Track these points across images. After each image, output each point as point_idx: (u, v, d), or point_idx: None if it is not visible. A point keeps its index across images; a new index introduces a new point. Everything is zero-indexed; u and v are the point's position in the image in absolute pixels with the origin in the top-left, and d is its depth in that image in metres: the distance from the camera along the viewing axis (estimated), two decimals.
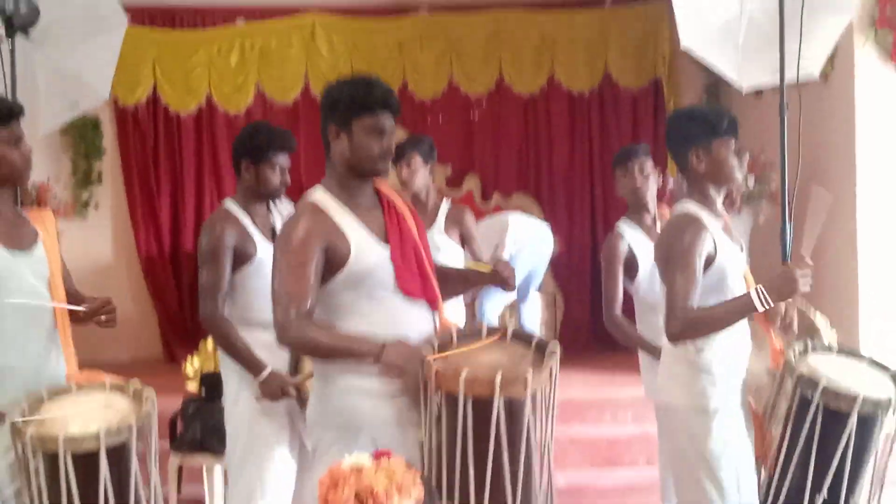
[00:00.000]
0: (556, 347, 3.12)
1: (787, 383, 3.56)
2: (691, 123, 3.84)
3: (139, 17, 9.29)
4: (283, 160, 4.47)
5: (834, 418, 3.43)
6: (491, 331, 3.28)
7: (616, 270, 4.90)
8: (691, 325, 3.59)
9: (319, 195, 3.33)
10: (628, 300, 5.04)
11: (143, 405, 3.24)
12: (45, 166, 9.01)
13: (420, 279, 3.36)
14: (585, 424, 7.34)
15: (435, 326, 3.39)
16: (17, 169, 3.55)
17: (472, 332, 3.28)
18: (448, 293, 3.58)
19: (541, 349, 3.17)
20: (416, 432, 3.16)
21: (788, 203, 5.43)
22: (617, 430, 7.28)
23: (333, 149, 3.33)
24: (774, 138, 5.55)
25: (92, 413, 3.17)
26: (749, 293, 3.56)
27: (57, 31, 5.79)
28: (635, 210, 5.01)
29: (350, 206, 3.31)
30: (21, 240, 3.58)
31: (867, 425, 3.44)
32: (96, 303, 3.67)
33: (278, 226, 4.50)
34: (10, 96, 5.32)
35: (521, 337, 3.27)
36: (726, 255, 3.69)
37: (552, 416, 3.11)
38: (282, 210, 4.62)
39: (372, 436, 3.22)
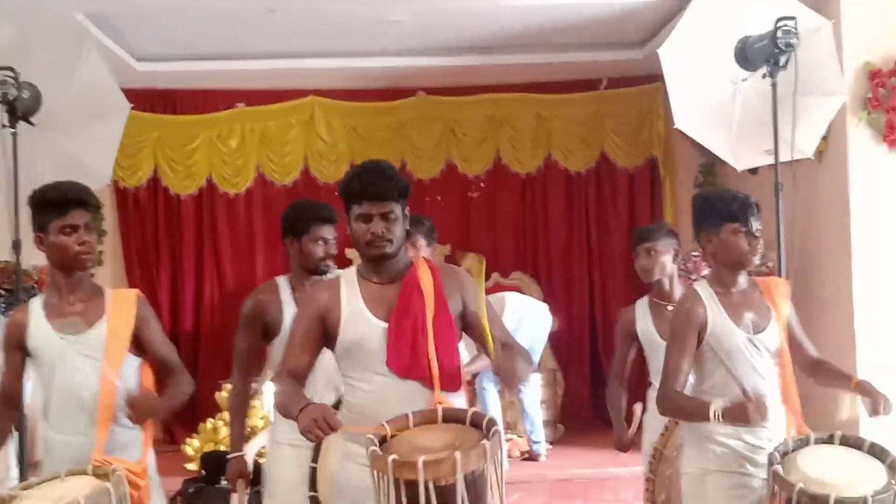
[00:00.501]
0: (494, 421, 3.13)
1: (772, 482, 3.52)
2: (702, 207, 4.05)
3: (141, 101, 9.35)
4: (324, 232, 4.57)
5: None
6: (421, 418, 3.26)
7: (620, 343, 5.28)
8: (666, 407, 3.99)
9: (349, 269, 3.62)
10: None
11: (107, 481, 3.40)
12: None
13: (411, 358, 3.39)
14: (587, 502, 7.30)
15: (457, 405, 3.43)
16: (70, 256, 3.79)
17: (428, 416, 3.27)
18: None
19: (477, 424, 3.17)
20: None
21: (786, 280, 5.46)
22: None
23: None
24: (770, 216, 5.59)
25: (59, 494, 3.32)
26: (710, 405, 3.68)
27: (59, 116, 5.87)
28: (657, 291, 5.17)
29: (368, 282, 3.52)
30: (76, 323, 3.81)
31: None
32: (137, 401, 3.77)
33: None
34: (13, 182, 5.38)
35: (456, 417, 3.25)
36: (720, 330, 3.87)
37: (498, 497, 3.08)
38: None
39: (353, 499, 3.38)
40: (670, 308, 4.95)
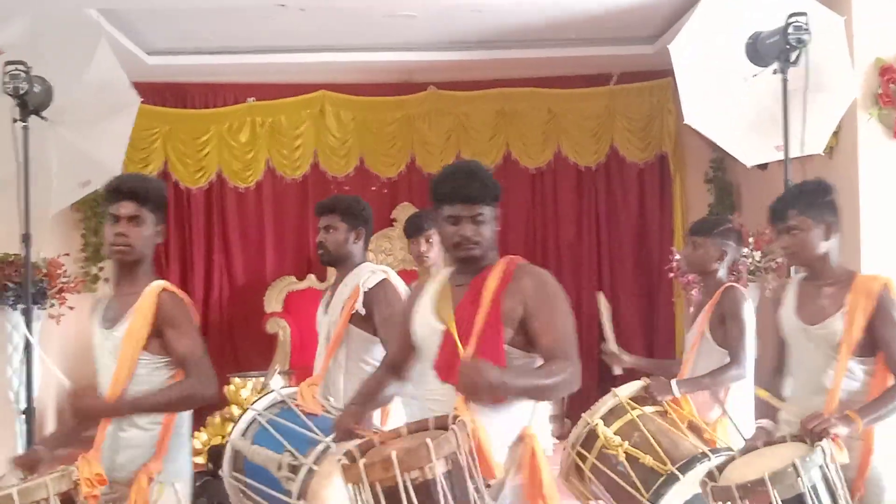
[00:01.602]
0: (462, 420, 3.08)
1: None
2: None
3: (151, 96, 9.40)
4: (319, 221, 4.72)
5: None
6: (385, 436, 3.24)
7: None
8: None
9: (447, 268, 3.69)
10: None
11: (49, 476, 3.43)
12: (56, 241, 9.07)
13: (451, 363, 3.31)
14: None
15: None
16: (107, 246, 3.84)
17: (365, 445, 3.21)
18: None
19: (443, 427, 3.13)
20: None
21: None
22: None
23: None
24: None
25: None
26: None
27: (70, 111, 5.89)
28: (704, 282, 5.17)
29: (452, 282, 3.58)
30: (112, 317, 3.78)
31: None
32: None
33: (339, 294, 4.67)
34: (24, 175, 5.40)
35: (420, 427, 3.22)
36: (780, 315, 4.05)
37: (477, 486, 3.04)
38: (358, 280, 4.65)
39: None
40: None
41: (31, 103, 5.54)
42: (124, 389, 3.64)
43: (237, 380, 8.60)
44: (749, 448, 3.69)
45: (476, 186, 3.45)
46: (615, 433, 4.39)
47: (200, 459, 7.62)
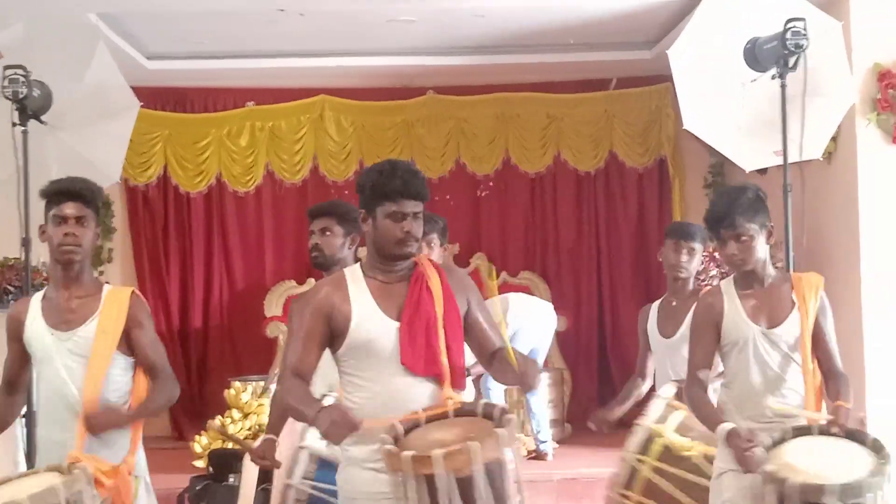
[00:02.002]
0: (506, 409, 3.16)
1: (762, 481, 3.51)
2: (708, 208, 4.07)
3: (151, 100, 9.41)
4: (312, 224, 4.59)
5: None
6: (459, 409, 3.29)
7: (641, 344, 5.29)
8: (689, 402, 4.03)
9: (352, 267, 3.54)
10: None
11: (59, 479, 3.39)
12: None
13: (426, 356, 3.38)
14: (595, 502, 7.28)
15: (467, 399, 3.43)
16: (53, 248, 3.80)
17: (439, 411, 3.29)
18: (507, 381, 3.68)
19: (489, 416, 3.20)
20: None
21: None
22: None
23: (365, 233, 3.51)
24: (779, 217, 5.58)
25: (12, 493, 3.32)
26: (724, 424, 3.76)
27: (70, 115, 5.90)
28: (669, 284, 5.20)
29: (374, 281, 3.45)
30: (68, 319, 3.80)
31: None
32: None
33: None
34: (22, 179, 5.41)
35: (469, 410, 3.28)
36: (732, 326, 3.95)
37: (516, 488, 3.09)
38: None
39: None
40: (674, 304, 5.08)
41: (31, 107, 5.54)
42: (101, 388, 3.73)
43: (237, 384, 8.60)
44: (779, 438, 3.69)
45: (421, 184, 3.46)
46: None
47: (201, 464, 7.63)
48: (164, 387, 3.91)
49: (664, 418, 4.48)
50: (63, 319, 3.80)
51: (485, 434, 3.02)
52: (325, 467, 4.06)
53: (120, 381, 3.84)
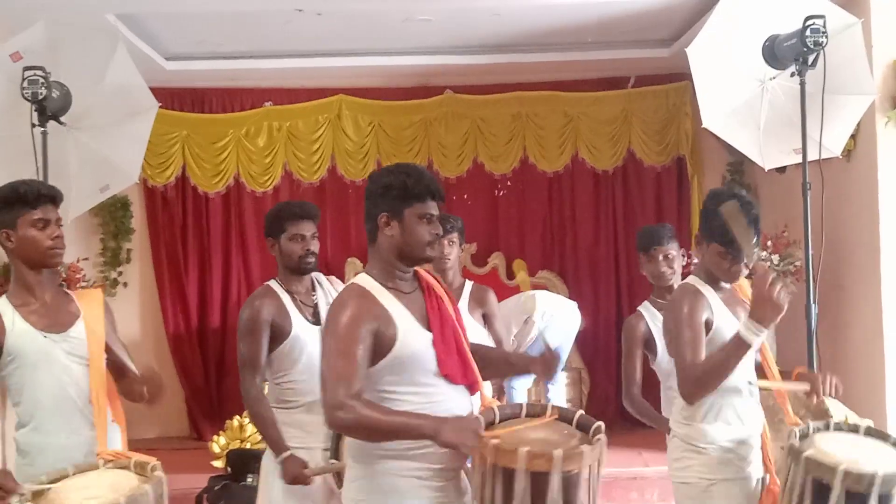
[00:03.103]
0: (601, 427, 3.16)
1: (796, 467, 3.55)
2: (705, 213, 4.00)
3: (169, 100, 9.45)
4: (302, 228, 4.58)
5: (854, 500, 3.39)
6: (532, 410, 3.31)
7: (633, 352, 4.95)
8: (700, 381, 3.79)
9: (365, 279, 3.37)
10: (654, 380, 5.07)
11: (148, 482, 3.30)
12: (75, 246, 9.10)
13: (461, 364, 3.37)
14: (612, 502, 7.28)
15: (473, 409, 3.40)
16: (40, 252, 3.72)
17: (512, 411, 3.31)
18: (492, 375, 3.64)
19: (583, 427, 3.22)
20: None
21: (813, 280, 5.44)
22: None
23: (382, 235, 3.37)
24: (798, 216, 5.58)
25: (95, 492, 3.22)
26: (738, 331, 3.65)
27: (88, 116, 5.93)
28: (659, 293, 5.05)
29: (396, 291, 3.36)
30: (58, 322, 3.76)
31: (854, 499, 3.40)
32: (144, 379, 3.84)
33: (321, 304, 4.59)
34: (42, 179, 5.43)
35: (565, 416, 3.29)
36: (724, 322, 3.89)
37: (598, 494, 3.16)
38: (328, 289, 4.67)
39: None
40: None
41: (50, 108, 5.58)
42: (105, 385, 3.75)
43: None
44: (823, 426, 3.75)
45: (441, 187, 3.44)
46: None
47: (219, 463, 7.65)
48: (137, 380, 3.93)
49: None
50: (53, 322, 3.76)
51: (571, 447, 3.04)
52: None
53: None
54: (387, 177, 3.38)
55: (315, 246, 4.61)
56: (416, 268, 3.50)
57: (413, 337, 3.28)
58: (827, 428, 3.76)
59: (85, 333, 3.77)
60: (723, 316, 3.90)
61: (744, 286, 4.09)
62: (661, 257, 5.01)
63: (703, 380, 3.77)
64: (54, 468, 3.45)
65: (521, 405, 3.30)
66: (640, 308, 5.07)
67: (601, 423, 3.16)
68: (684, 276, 4.64)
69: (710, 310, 3.88)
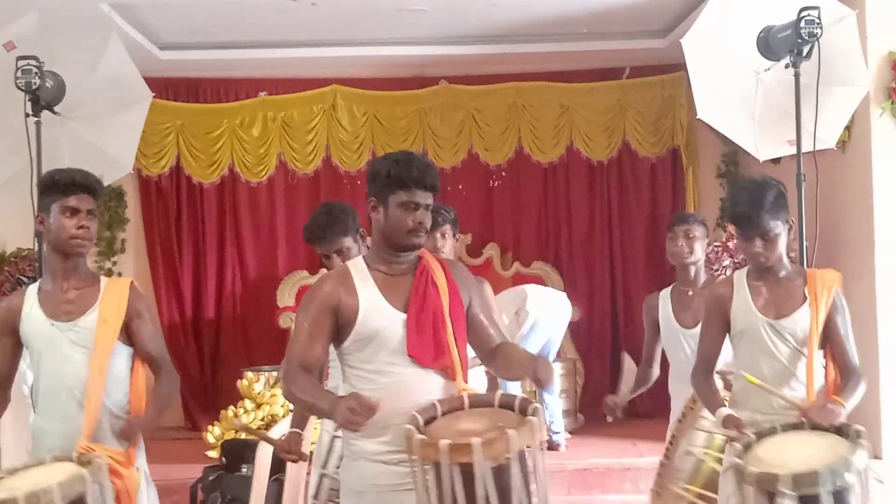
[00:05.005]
0: (537, 409, 3.12)
1: (746, 487, 3.47)
2: (728, 201, 4.18)
3: (163, 90, 9.42)
4: (339, 245, 4.58)
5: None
6: (475, 399, 3.30)
7: (649, 334, 5.27)
8: (694, 387, 4.19)
9: (354, 260, 3.54)
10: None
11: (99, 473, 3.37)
12: None
13: (434, 347, 3.38)
14: (606, 493, 7.30)
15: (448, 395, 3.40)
16: (63, 239, 3.79)
17: (455, 403, 3.29)
18: (515, 376, 3.66)
19: (524, 411, 3.16)
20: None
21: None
22: (637, 499, 7.20)
23: (372, 219, 3.47)
24: (792, 206, 5.57)
25: (42, 481, 3.28)
26: (721, 409, 3.91)
27: (82, 106, 5.91)
28: (680, 278, 5.18)
29: (379, 273, 3.44)
30: (71, 310, 3.81)
31: (841, 498, 3.34)
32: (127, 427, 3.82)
33: None
34: (35, 170, 5.42)
35: (506, 402, 3.25)
36: (741, 317, 4.00)
37: (543, 479, 3.10)
38: None
39: (375, 500, 3.31)
40: (690, 293, 5.06)
41: (44, 98, 5.56)
42: (105, 378, 3.75)
43: (250, 374, 8.62)
44: (767, 431, 3.70)
45: (436, 176, 3.46)
46: None
47: (214, 454, 7.65)
48: (167, 378, 3.96)
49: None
50: (63, 310, 3.80)
51: (516, 423, 3.03)
52: None
53: (120, 372, 3.85)
54: (379, 162, 3.49)
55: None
56: (423, 253, 3.54)
57: (377, 315, 3.36)
58: (800, 428, 3.68)
59: (96, 323, 3.78)
60: (740, 307, 4.01)
61: (825, 276, 4.02)
62: (680, 234, 5.07)
63: (695, 390, 4.23)
64: (48, 453, 3.58)
65: (433, 404, 3.25)
66: (662, 291, 5.25)
67: (538, 405, 3.14)
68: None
69: (731, 301, 4.03)
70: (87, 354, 3.76)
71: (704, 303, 4.31)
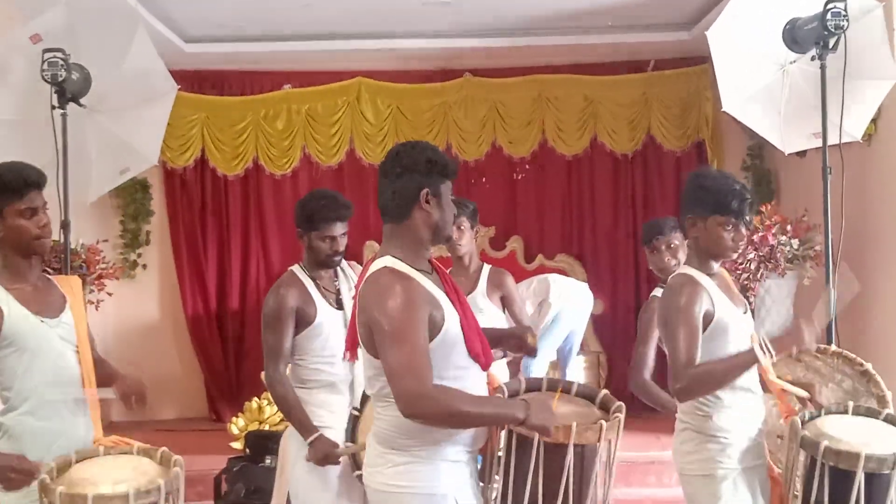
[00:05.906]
0: (622, 407, 3.25)
1: (794, 447, 3.59)
2: (695, 192, 3.95)
3: (189, 83, 9.46)
4: (334, 230, 4.53)
5: (841, 477, 3.42)
6: (552, 385, 3.41)
7: (647, 336, 4.86)
8: (696, 381, 3.65)
9: (395, 262, 3.22)
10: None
11: (171, 468, 3.27)
12: (95, 228, 9.16)
13: (480, 343, 3.31)
14: (630, 486, 7.28)
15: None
16: (28, 240, 3.66)
17: (514, 388, 3.41)
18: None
19: (604, 406, 3.34)
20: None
21: (833, 265, 5.42)
22: (662, 493, 7.21)
23: (418, 212, 3.24)
24: (818, 200, 5.55)
25: (121, 474, 3.19)
26: (752, 347, 3.65)
27: (108, 98, 5.94)
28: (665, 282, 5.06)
29: (424, 273, 3.25)
30: (50, 306, 3.74)
31: (877, 482, 3.40)
32: (128, 387, 3.83)
33: (344, 290, 4.62)
34: (62, 162, 5.44)
35: (586, 394, 3.38)
36: (725, 311, 3.78)
37: (614, 471, 3.28)
38: (350, 275, 4.69)
39: (455, 497, 3.20)
40: None
41: (70, 91, 5.58)
42: (93, 370, 3.74)
43: None
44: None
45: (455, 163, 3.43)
46: None
47: (238, 445, 7.68)
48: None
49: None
50: (46, 307, 3.72)
51: (590, 420, 3.19)
52: None
53: None
54: (424, 152, 3.26)
55: (343, 243, 4.60)
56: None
57: (454, 320, 3.20)
58: (846, 411, 3.73)
59: (73, 319, 3.76)
60: (723, 306, 3.78)
61: (723, 274, 4.01)
62: (664, 247, 4.98)
63: (700, 381, 3.66)
64: (48, 452, 3.46)
65: (540, 379, 3.42)
66: (653, 293, 5.03)
67: (622, 403, 3.24)
68: None
69: (710, 301, 3.73)
70: (72, 349, 3.73)
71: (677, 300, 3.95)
